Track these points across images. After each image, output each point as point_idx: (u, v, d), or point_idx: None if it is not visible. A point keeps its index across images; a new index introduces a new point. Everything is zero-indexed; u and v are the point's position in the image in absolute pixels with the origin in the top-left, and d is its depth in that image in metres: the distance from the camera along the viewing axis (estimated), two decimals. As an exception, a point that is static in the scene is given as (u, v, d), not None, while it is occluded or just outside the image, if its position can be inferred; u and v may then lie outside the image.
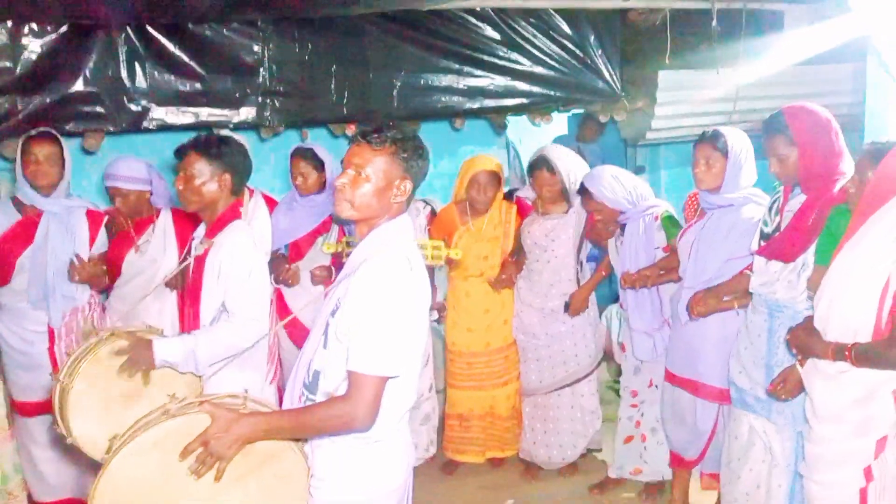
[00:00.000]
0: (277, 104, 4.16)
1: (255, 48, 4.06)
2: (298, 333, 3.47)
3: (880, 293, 2.16)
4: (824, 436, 2.33)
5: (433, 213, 4.04)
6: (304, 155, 3.72)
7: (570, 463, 3.88)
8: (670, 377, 3.32)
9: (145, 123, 4.00)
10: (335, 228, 3.79)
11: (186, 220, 3.60)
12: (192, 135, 4.38)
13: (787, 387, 2.48)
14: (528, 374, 3.83)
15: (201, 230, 2.69)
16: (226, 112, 4.10)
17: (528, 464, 3.95)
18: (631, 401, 3.65)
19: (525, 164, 5.77)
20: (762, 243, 2.78)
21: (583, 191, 3.55)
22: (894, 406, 2.20)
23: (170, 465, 1.76)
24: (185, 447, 1.75)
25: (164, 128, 4.08)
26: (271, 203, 3.79)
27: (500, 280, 3.73)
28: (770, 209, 2.83)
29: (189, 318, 2.61)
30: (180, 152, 2.58)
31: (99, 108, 3.92)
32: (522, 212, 3.90)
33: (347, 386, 1.82)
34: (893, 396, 2.20)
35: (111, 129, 3.97)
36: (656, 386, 3.54)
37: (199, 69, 4.02)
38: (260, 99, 4.13)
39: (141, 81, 3.94)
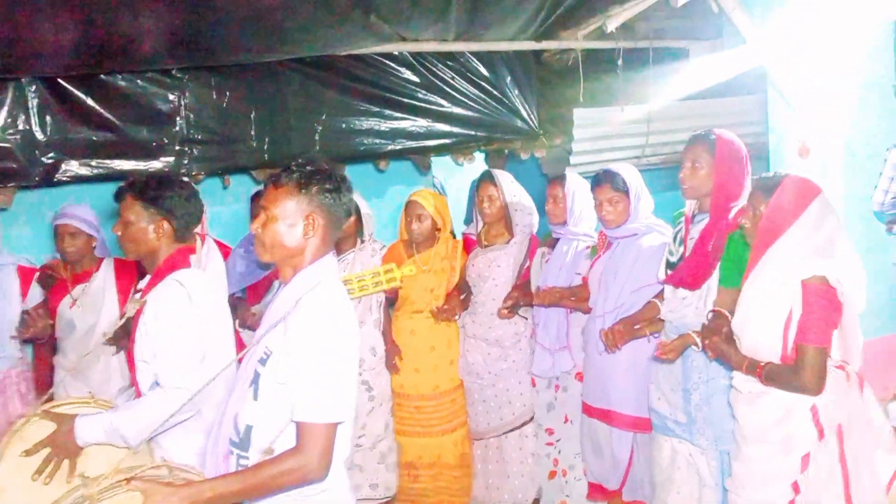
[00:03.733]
0: (196, 152, 4.10)
1: (171, 97, 4.01)
2: None
3: (784, 322, 2.28)
4: (751, 455, 2.40)
5: None
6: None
7: None
8: (587, 409, 3.37)
9: (58, 176, 3.88)
10: None
11: (129, 271, 3.51)
12: (109, 186, 4.38)
13: (673, 345, 2.60)
14: (476, 417, 3.79)
15: (144, 282, 2.49)
16: (142, 163, 4.02)
17: None
18: (547, 439, 3.67)
19: (450, 203, 5.86)
20: (668, 272, 2.88)
21: (561, 178, 3.58)
22: (813, 423, 2.29)
23: None
24: None
25: (78, 180, 3.97)
26: (224, 249, 3.71)
27: (442, 309, 3.67)
28: (674, 239, 2.93)
29: (134, 384, 2.39)
30: (118, 196, 2.39)
31: (10, 163, 3.79)
32: (469, 248, 3.93)
33: (298, 437, 1.75)
34: (811, 413, 2.29)
35: (23, 183, 3.84)
36: (571, 422, 3.58)
37: (113, 119, 3.94)
38: (178, 147, 4.06)
39: (53, 134, 3.83)
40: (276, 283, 3.70)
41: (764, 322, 2.31)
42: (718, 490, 2.78)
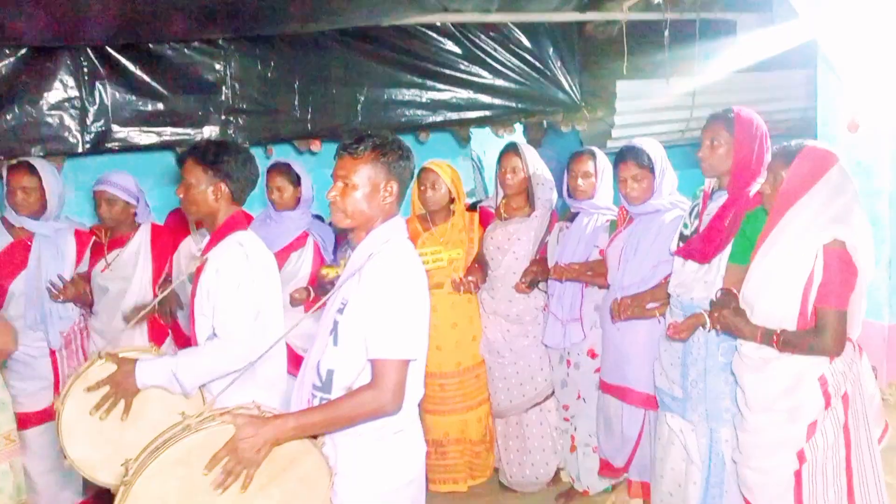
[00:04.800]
0: (241, 122, 4.17)
1: (217, 67, 4.08)
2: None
3: (804, 285, 2.28)
4: (757, 425, 2.42)
5: None
6: (281, 170, 3.69)
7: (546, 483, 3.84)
8: (603, 385, 3.37)
9: (108, 144, 3.99)
10: (310, 244, 3.73)
11: (166, 237, 3.60)
12: (155, 155, 4.48)
13: (685, 324, 2.60)
14: (497, 395, 3.77)
15: (204, 243, 2.57)
16: (189, 131, 4.11)
17: (504, 487, 3.92)
18: (563, 414, 3.68)
19: (489, 177, 5.84)
20: (681, 244, 2.86)
21: (590, 153, 3.55)
22: (821, 392, 2.31)
23: (194, 481, 1.76)
24: (213, 456, 1.76)
25: (127, 148, 4.07)
26: (249, 219, 3.77)
27: (465, 280, 3.57)
28: (690, 213, 2.91)
29: (193, 338, 2.49)
30: (181, 160, 2.50)
31: (60, 131, 3.90)
32: (485, 221, 3.86)
33: (372, 374, 1.89)
34: (819, 383, 2.31)
35: (74, 151, 3.95)
36: (584, 399, 3.57)
37: (160, 89, 4.03)
38: (223, 117, 4.14)
39: (102, 102, 3.93)
40: (293, 256, 3.72)
41: (782, 286, 2.31)
42: (703, 468, 2.78)
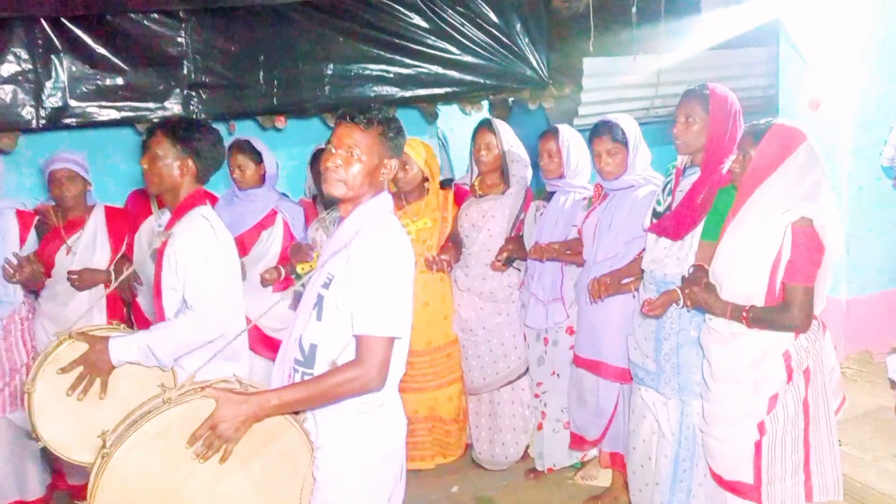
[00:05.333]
0: (204, 96, 4.08)
1: (179, 39, 3.97)
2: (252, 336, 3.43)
3: (772, 262, 2.33)
4: (722, 395, 2.48)
5: None
6: (242, 147, 3.62)
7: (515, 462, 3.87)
8: (577, 360, 3.40)
9: (65, 120, 3.86)
10: (280, 222, 3.69)
11: (121, 218, 3.53)
12: (114, 131, 4.35)
13: (659, 301, 2.65)
14: (470, 373, 3.78)
15: (164, 219, 2.60)
16: (150, 106, 4.00)
17: (475, 464, 3.92)
18: (535, 391, 3.71)
19: (456, 154, 5.80)
20: (654, 221, 2.89)
21: (553, 131, 3.56)
22: (784, 366, 2.37)
23: (174, 453, 1.75)
24: (194, 431, 1.75)
25: (85, 124, 3.94)
26: (212, 200, 3.70)
27: (438, 259, 3.59)
28: (663, 189, 2.94)
29: (157, 312, 2.52)
30: (151, 131, 2.49)
31: (14, 106, 3.76)
32: (460, 199, 3.83)
33: (357, 350, 1.89)
34: (783, 357, 2.37)
35: (29, 127, 3.81)
36: (558, 375, 3.60)
37: (119, 62, 3.91)
38: (185, 91, 4.04)
39: (58, 77, 3.80)
40: (263, 235, 3.69)
41: (751, 263, 2.36)
42: (674, 441, 2.84)
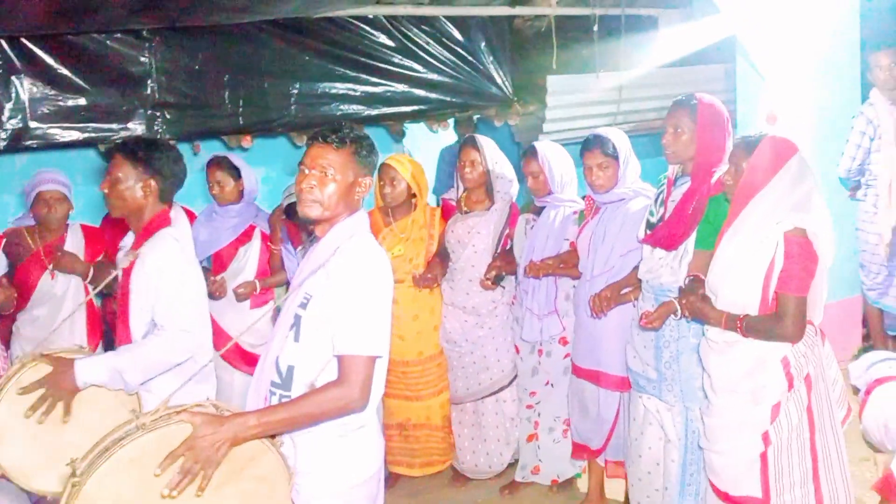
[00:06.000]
0: (168, 116, 4.04)
1: (142, 59, 3.93)
2: (231, 351, 3.41)
3: (765, 272, 2.35)
4: (722, 407, 2.48)
5: None
6: (221, 164, 3.64)
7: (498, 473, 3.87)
8: (576, 370, 3.43)
9: (26, 142, 3.79)
10: (257, 237, 3.72)
11: (97, 237, 3.49)
12: (77, 152, 4.28)
13: (657, 313, 2.65)
14: (455, 383, 3.80)
15: (129, 240, 2.54)
16: (113, 126, 3.95)
17: (458, 473, 3.96)
18: (528, 401, 3.74)
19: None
20: (648, 232, 2.94)
21: (531, 152, 3.57)
22: (783, 373, 2.39)
23: (148, 481, 1.67)
24: (169, 454, 1.67)
25: (46, 146, 3.87)
26: (191, 216, 3.67)
27: (424, 277, 3.64)
28: (656, 200, 2.99)
29: (121, 334, 2.43)
30: (108, 154, 2.48)
31: (-28, 128, 3.70)
32: (448, 216, 3.86)
33: (339, 371, 1.85)
34: (782, 364, 2.38)
35: (-12, 148, 3.75)
36: (552, 385, 3.64)
37: (81, 83, 3.86)
38: (149, 111, 4.00)
39: (19, 97, 3.73)
40: (241, 251, 3.70)
41: (745, 274, 2.38)
42: (681, 447, 2.87)
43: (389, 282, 1.99)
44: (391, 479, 3.84)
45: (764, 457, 2.39)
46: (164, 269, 2.33)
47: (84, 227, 3.45)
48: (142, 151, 2.40)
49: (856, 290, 4.45)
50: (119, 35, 3.88)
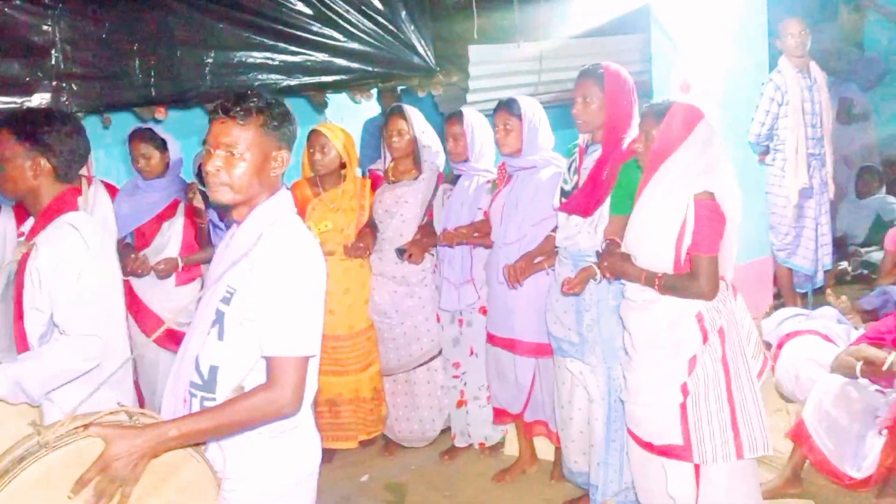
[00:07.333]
0: (75, 88, 3.84)
1: (45, 27, 3.72)
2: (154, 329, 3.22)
3: (677, 234, 2.45)
4: (642, 362, 2.59)
5: None
6: (144, 136, 3.56)
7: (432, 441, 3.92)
8: (491, 339, 3.49)
9: (-83, 115, 3.55)
10: (181, 212, 3.63)
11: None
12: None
13: (578, 279, 2.75)
14: (386, 354, 3.82)
15: (28, 226, 2.27)
16: (15, 99, 3.73)
17: (389, 441, 3.97)
18: (453, 372, 3.78)
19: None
20: (563, 200, 2.99)
21: (457, 115, 3.59)
22: (698, 327, 2.50)
23: None
24: (79, 478, 1.51)
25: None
26: (112, 191, 3.55)
27: (356, 247, 3.64)
28: (569, 169, 3.05)
29: (18, 337, 2.16)
30: None
31: None
32: (376, 185, 3.85)
33: (269, 373, 1.70)
34: (697, 319, 2.50)
35: None
36: (476, 354, 3.69)
37: (-22, 52, 3.64)
38: (54, 83, 3.79)
39: None
40: (164, 226, 3.60)
41: (658, 235, 2.48)
42: (604, 404, 2.98)
43: (321, 271, 1.81)
44: (327, 455, 3.82)
45: (683, 407, 2.51)
46: (59, 265, 2.09)
47: (17, 209, 3.22)
48: (28, 125, 2.15)
49: (766, 251, 4.64)
50: (18, 2, 3.66)
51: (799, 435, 3.14)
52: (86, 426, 1.54)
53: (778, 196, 4.53)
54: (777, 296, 4.76)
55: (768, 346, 3.63)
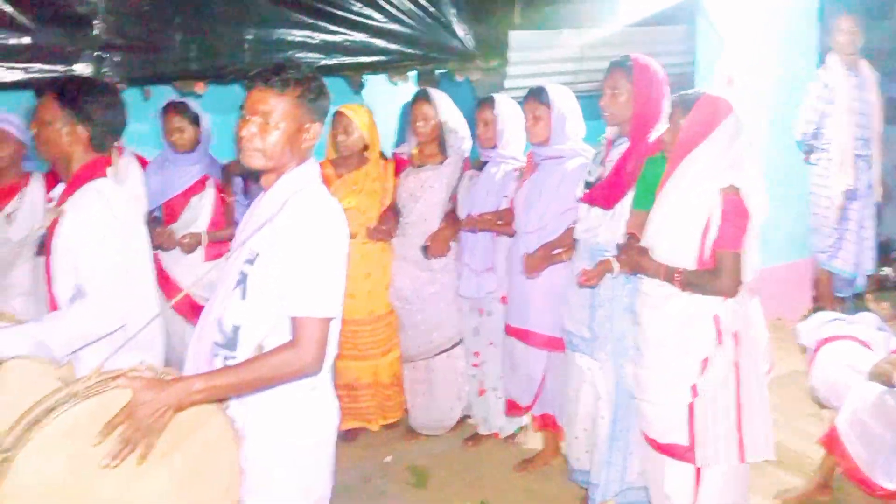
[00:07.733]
0: (116, 59, 3.87)
1: (88, -2, 3.76)
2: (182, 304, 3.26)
3: (702, 229, 2.41)
4: (654, 359, 2.56)
5: None
6: (178, 109, 3.57)
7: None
8: (507, 328, 3.46)
9: (-35, 81, 3.62)
10: (210, 188, 3.65)
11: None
12: (20, 94, 4.09)
13: (595, 272, 2.69)
14: (406, 341, 3.81)
15: (58, 191, 2.33)
16: (58, 67, 3.76)
17: (410, 428, 3.96)
18: (473, 360, 3.76)
19: (382, 126, 5.75)
20: (586, 192, 2.94)
21: (489, 100, 3.56)
22: (714, 329, 2.45)
23: (84, 452, 1.56)
24: (107, 422, 1.56)
25: (-13, 86, 3.70)
26: (143, 163, 3.58)
27: (378, 229, 3.63)
28: (594, 160, 3.00)
29: (50, 300, 2.24)
30: (39, 93, 2.26)
31: None
32: (400, 169, 3.82)
33: (293, 332, 1.77)
34: (713, 320, 2.45)
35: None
36: (494, 345, 3.65)
37: (25, 21, 3.67)
38: (96, 53, 3.82)
39: (-42, 34, 3.55)
40: (193, 200, 3.62)
41: (681, 229, 2.44)
42: (611, 403, 2.93)
43: (344, 237, 1.88)
44: (351, 434, 3.84)
45: (691, 407, 2.49)
46: (82, 229, 2.14)
47: (49, 177, 3.28)
48: (71, 92, 2.20)
49: (807, 253, 4.54)
50: (63, -29, 3.70)
51: (831, 442, 3.06)
52: (114, 378, 1.60)
53: (821, 197, 4.42)
54: (815, 299, 4.66)
55: (804, 349, 3.54)
